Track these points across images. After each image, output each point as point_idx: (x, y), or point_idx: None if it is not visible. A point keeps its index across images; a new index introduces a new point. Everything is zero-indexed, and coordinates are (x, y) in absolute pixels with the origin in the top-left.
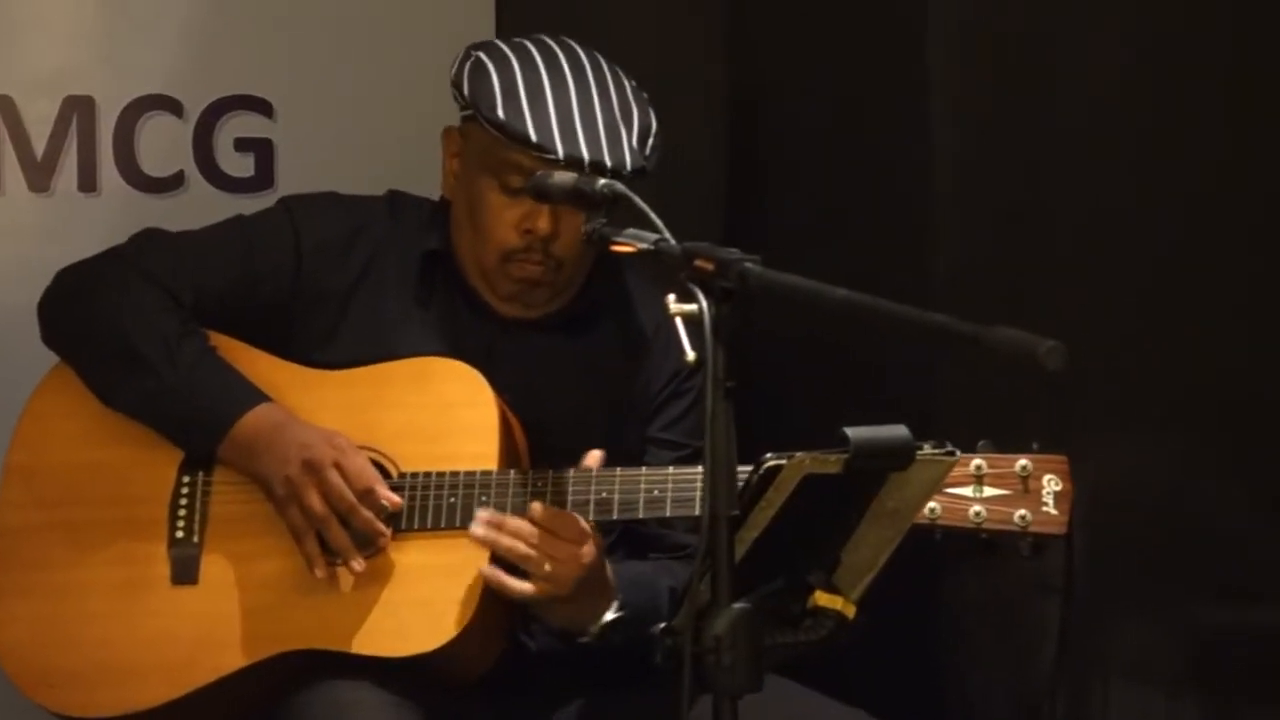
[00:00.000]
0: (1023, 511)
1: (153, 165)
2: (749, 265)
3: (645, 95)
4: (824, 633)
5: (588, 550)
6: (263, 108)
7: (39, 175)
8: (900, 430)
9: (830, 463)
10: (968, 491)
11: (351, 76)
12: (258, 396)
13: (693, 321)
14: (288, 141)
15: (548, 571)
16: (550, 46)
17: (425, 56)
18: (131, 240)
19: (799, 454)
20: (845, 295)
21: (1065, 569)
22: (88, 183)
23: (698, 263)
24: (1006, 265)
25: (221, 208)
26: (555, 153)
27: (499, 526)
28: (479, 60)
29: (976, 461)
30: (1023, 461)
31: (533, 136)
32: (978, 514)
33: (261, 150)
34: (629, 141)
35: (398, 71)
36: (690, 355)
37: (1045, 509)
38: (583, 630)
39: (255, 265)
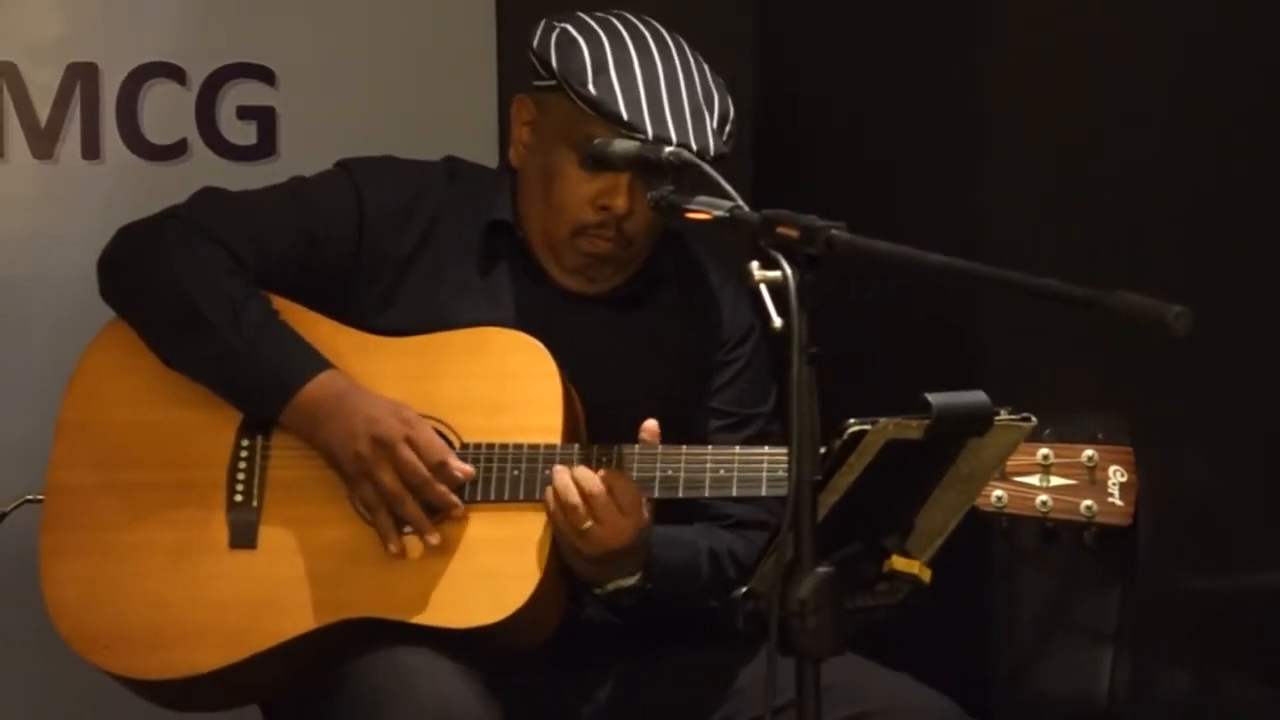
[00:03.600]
0: (1089, 502)
1: (156, 133)
2: (836, 232)
3: (722, 81)
4: (901, 596)
5: (628, 526)
6: (265, 75)
7: (42, 142)
8: (979, 396)
9: (912, 428)
10: (1034, 480)
11: (353, 44)
12: (321, 363)
13: (775, 288)
14: (290, 109)
15: (586, 528)
16: (636, 24)
17: (426, 25)
18: (193, 199)
19: (882, 419)
20: (943, 260)
21: (1128, 561)
22: (91, 150)
23: (780, 229)
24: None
25: (224, 176)
26: (645, 132)
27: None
28: (566, 33)
29: (1043, 450)
30: (1089, 451)
31: (624, 115)
32: (1044, 503)
33: (264, 118)
34: (711, 125)
35: (399, 39)
36: (777, 322)
37: (1111, 500)
38: (594, 585)
39: (317, 227)
